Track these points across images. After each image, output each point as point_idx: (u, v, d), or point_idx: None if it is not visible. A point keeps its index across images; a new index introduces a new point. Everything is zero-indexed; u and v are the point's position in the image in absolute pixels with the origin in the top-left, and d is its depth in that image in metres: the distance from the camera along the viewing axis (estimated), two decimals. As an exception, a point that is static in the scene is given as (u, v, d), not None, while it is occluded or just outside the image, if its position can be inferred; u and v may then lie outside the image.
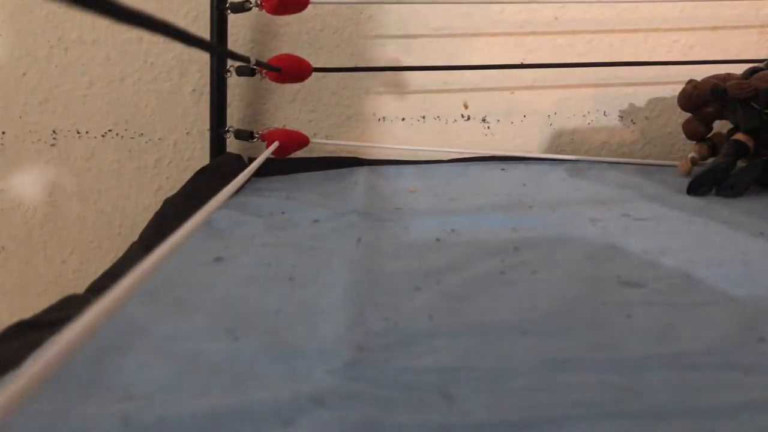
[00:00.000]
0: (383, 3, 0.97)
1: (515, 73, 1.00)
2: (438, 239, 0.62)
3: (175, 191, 0.79)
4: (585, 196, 0.78)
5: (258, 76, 0.91)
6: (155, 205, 0.76)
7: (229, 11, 0.90)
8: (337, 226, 0.66)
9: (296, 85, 0.98)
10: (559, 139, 1.03)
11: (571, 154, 1.01)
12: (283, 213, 0.71)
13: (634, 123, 1.04)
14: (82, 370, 0.37)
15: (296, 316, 0.45)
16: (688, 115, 0.91)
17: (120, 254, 0.60)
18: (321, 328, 0.43)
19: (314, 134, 0.98)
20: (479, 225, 0.67)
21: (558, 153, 1.02)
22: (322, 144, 0.99)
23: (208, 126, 0.93)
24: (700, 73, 0.90)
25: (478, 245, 0.60)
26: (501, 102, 1.02)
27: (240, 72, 0.90)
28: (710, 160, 0.87)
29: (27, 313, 0.42)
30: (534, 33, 1.00)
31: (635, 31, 1.01)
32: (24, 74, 0.96)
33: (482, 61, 0.99)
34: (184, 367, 0.38)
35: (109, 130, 0.98)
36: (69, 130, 0.98)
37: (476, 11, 0.99)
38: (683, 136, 0.92)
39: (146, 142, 0.99)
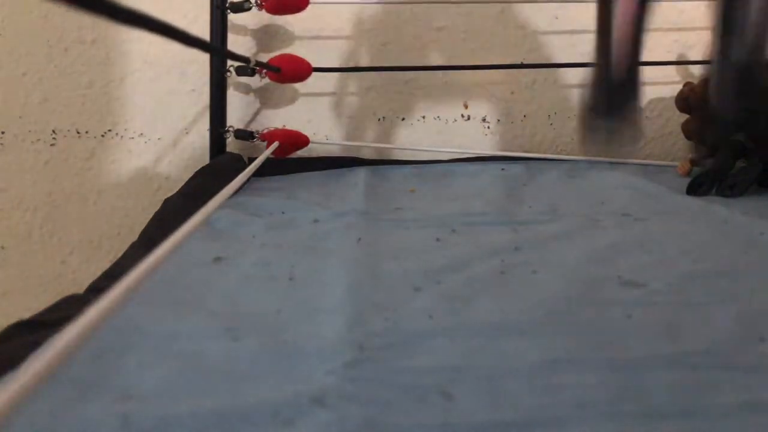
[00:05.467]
0: (383, 3, 0.97)
1: (515, 73, 1.00)
2: (438, 239, 0.62)
3: (174, 191, 0.78)
4: (585, 196, 0.78)
5: (258, 76, 0.91)
6: (155, 205, 0.76)
7: (229, 11, 0.90)
8: (337, 226, 0.66)
9: (296, 85, 0.98)
10: (559, 139, 1.03)
11: (571, 154, 1.01)
12: (283, 213, 0.71)
13: (634, 123, 1.03)
14: (82, 370, 0.37)
15: (296, 316, 0.45)
16: (688, 115, 0.91)
17: (120, 254, 0.60)
18: (321, 328, 0.43)
19: (314, 134, 0.98)
20: (479, 225, 0.67)
21: (558, 153, 1.02)
22: (322, 144, 0.99)
23: (208, 126, 0.93)
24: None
25: (478, 245, 0.60)
26: (501, 102, 1.01)
27: (240, 72, 0.90)
28: (710, 160, 0.87)
29: (27, 313, 0.42)
30: (534, 33, 1.00)
31: (635, 31, 1.01)
32: (24, 74, 0.96)
33: (482, 61, 0.99)
34: (184, 367, 0.38)
35: (109, 130, 0.98)
36: (69, 130, 0.98)
37: (476, 11, 0.99)
38: (683, 136, 0.92)
39: (146, 142, 0.99)
